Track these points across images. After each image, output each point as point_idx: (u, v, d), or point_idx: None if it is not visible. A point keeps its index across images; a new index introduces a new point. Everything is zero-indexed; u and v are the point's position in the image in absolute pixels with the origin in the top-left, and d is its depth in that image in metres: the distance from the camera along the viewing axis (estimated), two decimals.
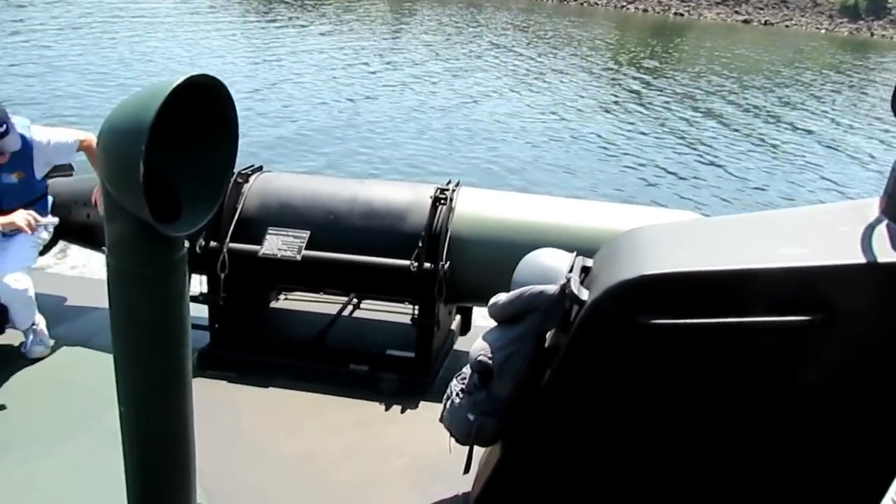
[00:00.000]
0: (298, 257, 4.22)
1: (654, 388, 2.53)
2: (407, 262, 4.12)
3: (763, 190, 14.04)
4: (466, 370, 2.97)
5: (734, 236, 2.66)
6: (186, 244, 2.21)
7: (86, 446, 3.63)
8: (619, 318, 2.50)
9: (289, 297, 5.14)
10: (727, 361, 2.44)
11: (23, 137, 4.22)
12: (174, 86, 1.84)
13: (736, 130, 18.48)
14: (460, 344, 4.86)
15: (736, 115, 20.24)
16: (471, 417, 2.87)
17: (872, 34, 51.33)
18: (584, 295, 2.64)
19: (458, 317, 4.94)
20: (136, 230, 2.00)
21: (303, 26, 27.66)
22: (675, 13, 54.20)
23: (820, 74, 30.00)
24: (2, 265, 4.19)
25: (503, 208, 4.33)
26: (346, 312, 4.94)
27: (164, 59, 20.03)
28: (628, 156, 15.29)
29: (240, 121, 2.08)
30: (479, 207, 4.32)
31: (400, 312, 4.81)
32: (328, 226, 4.31)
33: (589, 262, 2.96)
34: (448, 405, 2.97)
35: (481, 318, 4.65)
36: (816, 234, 2.52)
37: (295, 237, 4.28)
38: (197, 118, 1.99)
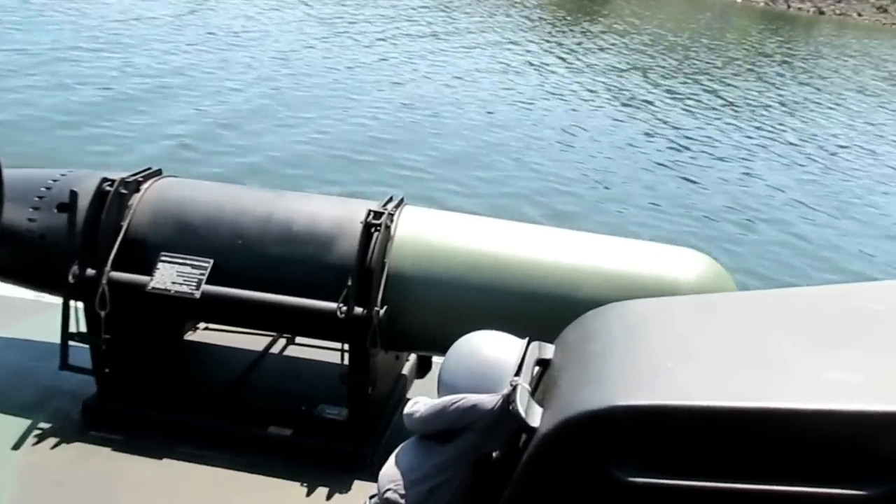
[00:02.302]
0: (197, 294, 3.32)
1: None
2: (333, 305, 3.22)
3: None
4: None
5: (754, 339, 1.76)
6: None
7: None
8: (582, 465, 1.62)
9: (210, 326, 4.25)
10: None
11: None
12: None
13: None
14: (417, 392, 3.97)
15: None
16: None
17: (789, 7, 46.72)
18: (535, 418, 1.75)
19: (412, 357, 4.04)
20: None
21: None
22: None
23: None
24: None
25: (457, 234, 3.41)
26: (275, 348, 4.07)
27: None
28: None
29: None
30: (427, 233, 3.40)
31: (340, 349, 3.93)
32: (236, 253, 3.40)
33: (548, 351, 2.06)
34: None
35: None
36: (875, 342, 1.64)
37: (194, 267, 3.38)
38: None
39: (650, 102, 16.19)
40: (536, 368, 1.99)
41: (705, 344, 1.77)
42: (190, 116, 11.50)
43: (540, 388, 1.93)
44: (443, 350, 3.62)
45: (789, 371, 1.58)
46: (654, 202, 10.67)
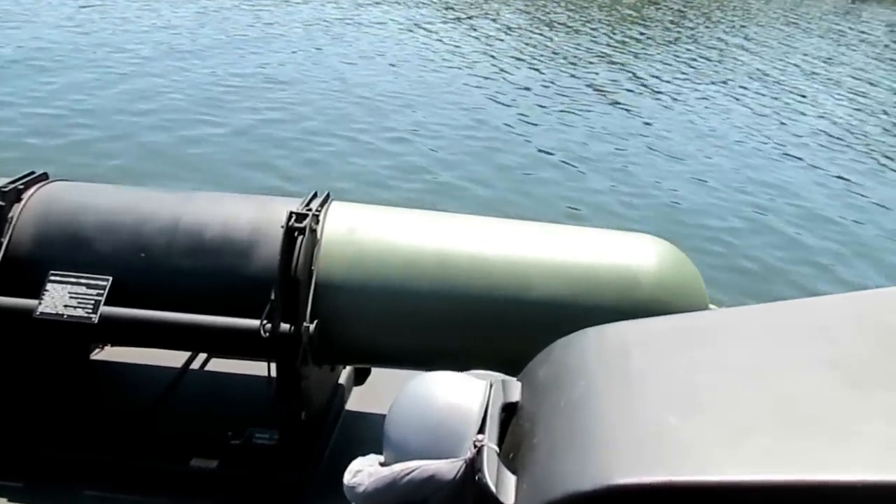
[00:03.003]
0: (94, 318, 2.86)
1: None
2: (255, 323, 2.81)
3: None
4: None
5: (771, 377, 1.45)
6: None
7: None
8: None
9: None
10: None
11: None
12: None
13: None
14: (356, 402, 3.61)
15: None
16: None
17: None
18: (509, 493, 1.41)
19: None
20: None
21: None
22: None
23: None
24: None
25: (394, 231, 3.02)
26: (197, 361, 3.63)
27: None
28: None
29: None
30: (359, 232, 3.00)
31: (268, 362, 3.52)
32: (139, 268, 2.95)
33: (513, 391, 1.71)
34: None
35: None
36: None
37: (90, 286, 2.91)
38: None
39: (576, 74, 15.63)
40: (502, 415, 1.65)
41: (712, 387, 1.45)
42: (76, 105, 10.23)
43: (508, 443, 1.59)
44: (384, 361, 3.27)
45: (828, 424, 1.28)
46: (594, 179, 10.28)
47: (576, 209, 9.11)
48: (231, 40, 14.55)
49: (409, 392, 1.77)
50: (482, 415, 1.61)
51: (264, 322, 2.79)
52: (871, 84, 17.11)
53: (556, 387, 1.58)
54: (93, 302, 2.88)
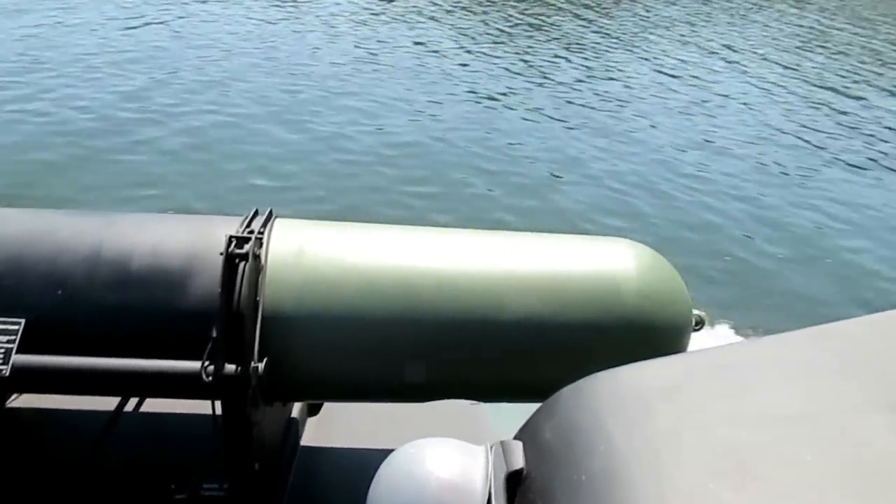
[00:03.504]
0: (5, 371, 2.47)
1: None
2: (196, 365, 2.46)
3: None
4: None
5: (820, 425, 1.21)
6: None
7: None
8: None
9: None
10: None
11: None
12: None
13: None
14: (312, 435, 3.28)
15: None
16: None
17: None
18: None
19: None
20: None
21: None
22: None
23: None
24: None
25: (348, 250, 2.70)
26: (131, 403, 3.26)
27: None
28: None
29: None
30: (309, 253, 2.66)
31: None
32: (56, 307, 2.56)
33: (515, 455, 1.43)
34: None
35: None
36: None
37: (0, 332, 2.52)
38: None
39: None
40: (507, 488, 1.37)
41: (761, 445, 1.20)
42: None
43: None
44: (343, 395, 2.95)
45: None
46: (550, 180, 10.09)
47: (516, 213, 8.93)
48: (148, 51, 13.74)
49: (396, 467, 1.47)
50: (486, 493, 1.33)
51: (206, 364, 2.45)
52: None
53: (568, 452, 1.31)
54: (2, 350, 2.49)
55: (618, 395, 1.39)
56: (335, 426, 3.32)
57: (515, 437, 1.47)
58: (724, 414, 1.29)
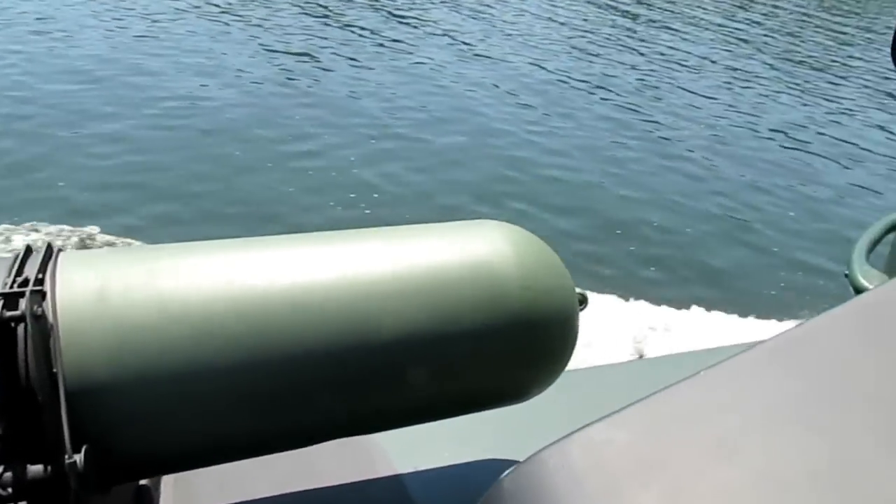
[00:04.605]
0: None
1: None
2: None
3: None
4: None
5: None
6: None
7: None
8: None
9: None
10: None
11: None
12: None
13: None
14: (170, 494, 2.66)
15: None
16: None
17: None
18: None
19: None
20: None
21: None
22: None
23: None
24: None
25: (170, 280, 2.05)
26: None
27: None
28: None
29: None
30: (117, 293, 2.01)
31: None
32: None
33: None
34: None
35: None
36: None
37: None
38: None
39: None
40: None
41: None
42: None
43: None
44: (195, 462, 2.35)
45: None
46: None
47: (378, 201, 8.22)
48: None
49: None
50: None
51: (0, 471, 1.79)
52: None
53: None
54: None
55: (574, 478, 0.96)
56: (199, 484, 2.74)
57: None
58: (702, 488, 0.90)
